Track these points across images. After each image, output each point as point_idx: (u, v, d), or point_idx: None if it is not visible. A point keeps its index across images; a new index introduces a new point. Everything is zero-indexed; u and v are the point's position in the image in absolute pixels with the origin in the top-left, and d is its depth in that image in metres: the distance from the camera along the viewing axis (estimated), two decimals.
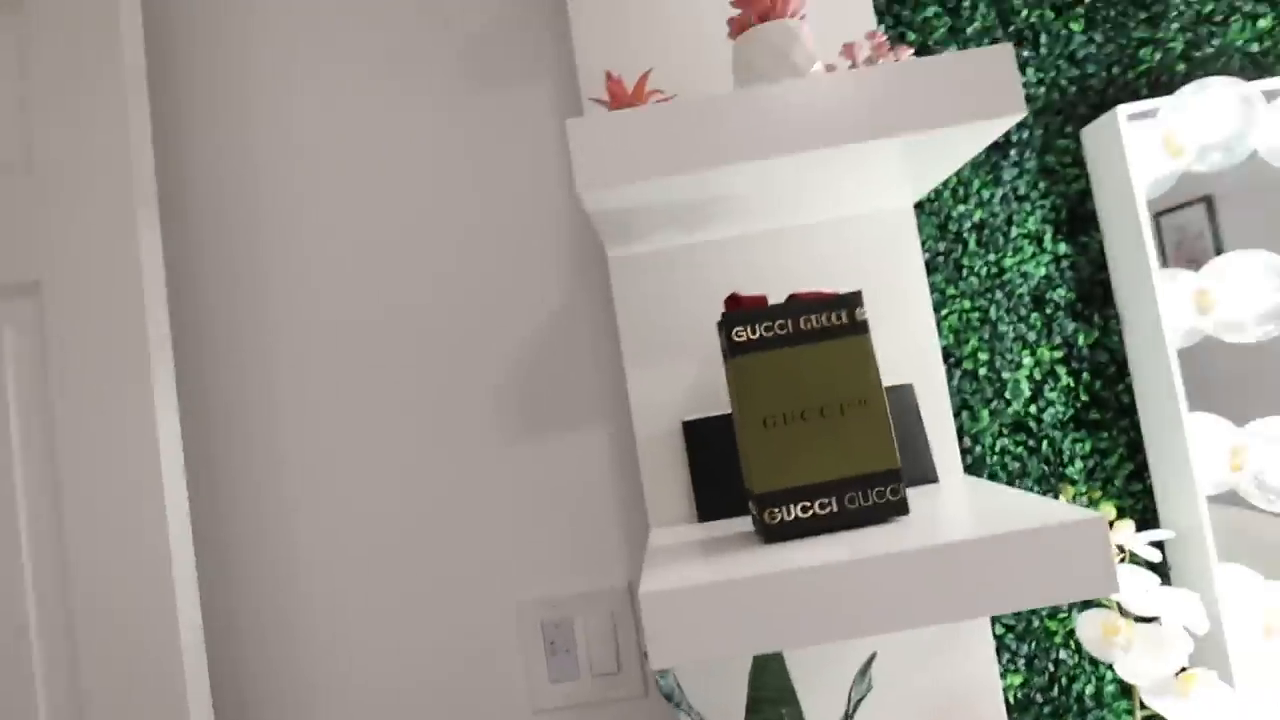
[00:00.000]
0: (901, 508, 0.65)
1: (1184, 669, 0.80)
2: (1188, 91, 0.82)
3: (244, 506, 0.90)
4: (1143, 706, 0.82)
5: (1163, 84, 0.90)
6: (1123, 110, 0.83)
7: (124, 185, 0.82)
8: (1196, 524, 0.81)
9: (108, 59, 0.84)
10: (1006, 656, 0.85)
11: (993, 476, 0.87)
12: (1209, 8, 0.90)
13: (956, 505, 0.68)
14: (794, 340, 0.66)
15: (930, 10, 0.90)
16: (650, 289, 0.83)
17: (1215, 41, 0.90)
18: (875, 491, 0.65)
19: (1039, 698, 0.85)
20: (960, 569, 0.54)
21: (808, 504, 0.64)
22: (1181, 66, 0.90)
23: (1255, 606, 0.79)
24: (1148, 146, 0.83)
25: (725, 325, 0.66)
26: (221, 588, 0.89)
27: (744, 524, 0.75)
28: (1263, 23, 0.90)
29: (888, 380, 0.82)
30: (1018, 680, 0.85)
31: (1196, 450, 0.82)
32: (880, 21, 0.90)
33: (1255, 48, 0.90)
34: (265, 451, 0.91)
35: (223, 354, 0.92)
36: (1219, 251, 0.85)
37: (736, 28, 0.65)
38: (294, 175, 0.93)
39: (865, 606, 0.54)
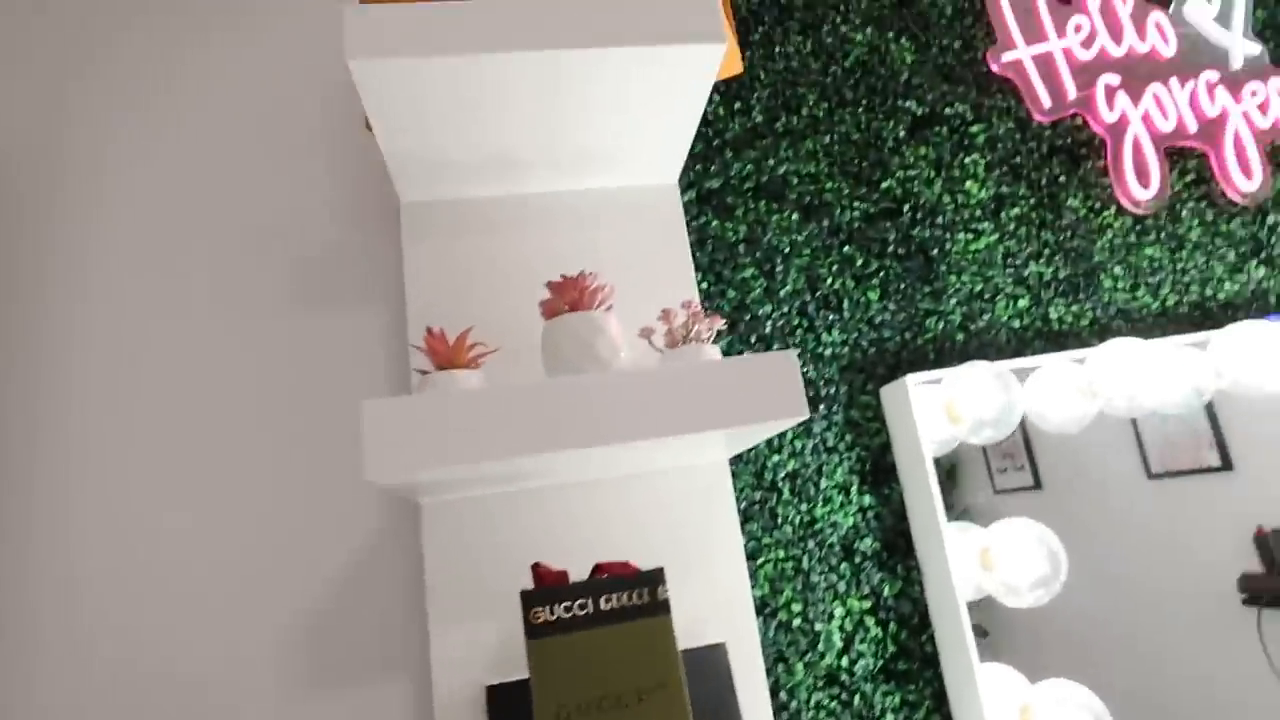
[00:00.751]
0: None
1: None
2: (961, 369, 0.92)
3: None
4: None
5: (947, 350, 1.01)
6: (911, 379, 0.92)
7: None
8: None
9: None
10: None
11: None
12: (979, 287, 1.05)
13: None
14: (595, 621, 0.64)
15: (748, 272, 0.99)
16: (463, 537, 0.79)
17: (986, 317, 1.04)
18: None
19: None
20: None
21: None
22: (960, 336, 1.02)
23: None
24: (934, 411, 0.92)
25: (525, 603, 0.63)
26: None
27: None
28: (1021, 303, 1.05)
29: (702, 639, 0.81)
30: None
31: (989, 705, 0.85)
32: (702, 280, 0.97)
33: (1017, 324, 1.04)
34: (42, 680, 0.76)
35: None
36: (1029, 453, 0.97)
37: (548, 311, 0.68)
38: (106, 385, 0.85)
39: None
